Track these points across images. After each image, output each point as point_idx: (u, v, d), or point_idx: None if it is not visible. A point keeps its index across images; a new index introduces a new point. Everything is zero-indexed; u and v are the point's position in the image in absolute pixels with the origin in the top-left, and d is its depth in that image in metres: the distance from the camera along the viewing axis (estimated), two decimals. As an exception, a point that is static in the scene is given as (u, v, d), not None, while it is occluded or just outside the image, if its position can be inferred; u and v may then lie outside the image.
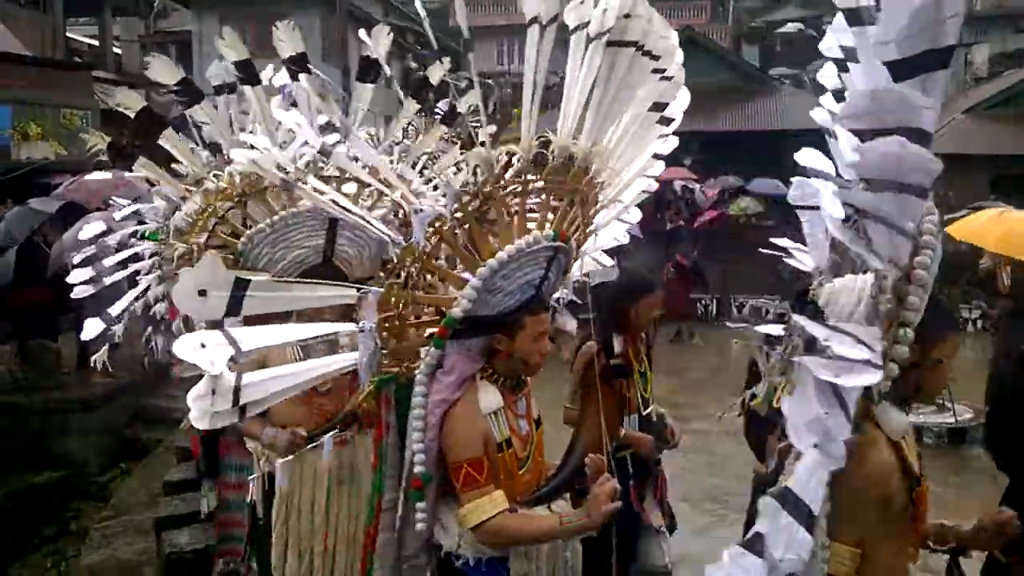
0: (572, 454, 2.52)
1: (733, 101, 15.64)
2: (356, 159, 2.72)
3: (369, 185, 2.86)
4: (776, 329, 2.15)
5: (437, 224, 2.08)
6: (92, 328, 3.98)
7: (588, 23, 1.99)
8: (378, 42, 3.31)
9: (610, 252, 2.86)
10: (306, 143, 2.88)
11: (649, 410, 3.20)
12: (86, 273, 4.10)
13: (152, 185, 4.19)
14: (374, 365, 2.08)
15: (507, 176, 2.09)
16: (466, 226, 2.10)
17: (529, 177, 2.08)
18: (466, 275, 2.10)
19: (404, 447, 2.15)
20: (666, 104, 2.25)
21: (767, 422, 2.79)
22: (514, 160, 2.08)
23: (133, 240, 4.12)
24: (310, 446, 2.81)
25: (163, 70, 3.01)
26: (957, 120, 14.10)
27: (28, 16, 17.09)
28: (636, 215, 2.74)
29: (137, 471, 7.04)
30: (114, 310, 3.98)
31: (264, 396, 1.91)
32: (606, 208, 2.32)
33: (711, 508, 5.44)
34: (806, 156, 2.29)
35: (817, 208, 1.76)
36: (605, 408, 2.65)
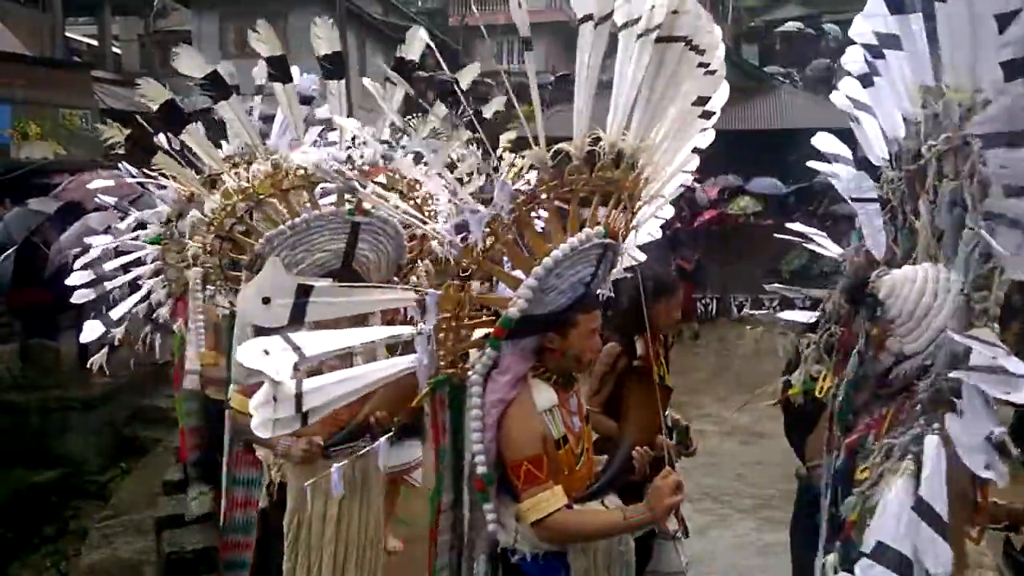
0: (618, 450, 2.53)
1: (732, 100, 15.36)
2: (420, 161, 2.71)
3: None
4: (805, 316, 2.16)
5: (493, 224, 2.07)
6: (92, 330, 3.98)
7: (637, 20, 1.99)
8: (412, 43, 3.26)
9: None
10: (363, 144, 2.94)
11: (667, 413, 3.19)
12: (87, 276, 4.11)
13: (159, 188, 4.20)
14: (433, 367, 2.09)
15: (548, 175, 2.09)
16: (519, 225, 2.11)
17: (581, 175, 2.08)
18: (518, 274, 2.11)
19: (458, 449, 2.16)
20: (708, 98, 2.26)
21: (808, 417, 2.78)
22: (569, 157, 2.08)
23: (135, 243, 4.13)
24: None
25: (190, 63, 2.92)
26: None
27: (27, 15, 17.05)
28: (669, 211, 2.75)
29: (137, 470, 7.05)
30: (115, 313, 4.00)
31: (326, 402, 1.90)
32: (647, 204, 2.34)
33: (711, 508, 5.45)
34: (823, 140, 2.30)
35: (874, 200, 1.74)
36: (645, 406, 2.68)
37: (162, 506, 5.69)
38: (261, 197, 2.93)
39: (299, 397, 1.84)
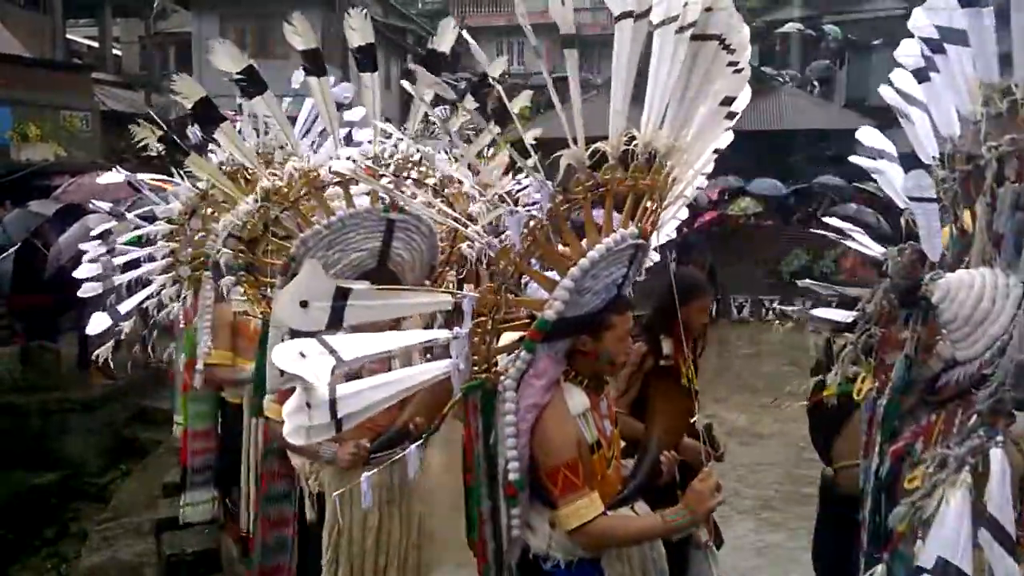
0: (646, 453, 2.50)
1: (733, 101, 15.60)
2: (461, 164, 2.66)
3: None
4: (842, 315, 2.11)
5: (531, 225, 2.04)
6: (98, 323, 3.91)
7: (675, 17, 1.97)
8: (444, 35, 3.17)
9: None
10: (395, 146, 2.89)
11: (695, 418, 3.17)
12: (93, 269, 4.04)
13: (161, 190, 4.18)
14: (468, 372, 2.05)
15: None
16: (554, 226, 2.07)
17: (617, 175, 2.05)
18: (552, 275, 2.08)
19: (491, 455, 2.12)
20: (733, 98, 2.23)
21: (835, 418, 2.70)
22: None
23: (129, 248, 4.08)
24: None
25: (226, 58, 2.82)
26: None
27: (28, 17, 17.07)
28: (684, 213, 2.73)
29: (137, 472, 7.04)
30: (123, 307, 3.91)
31: (361, 408, 1.85)
32: (671, 204, 2.32)
33: (712, 508, 5.44)
34: (867, 135, 2.26)
35: (933, 200, 1.67)
36: (672, 408, 2.66)
37: (162, 508, 5.68)
38: (297, 197, 2.82)
39: (333, 403, 1.78)
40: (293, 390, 1.99)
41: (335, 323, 1.87)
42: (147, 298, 3.93)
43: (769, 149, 13.45)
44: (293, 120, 3.84)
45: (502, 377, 2.08)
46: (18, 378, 7.89)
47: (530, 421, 2.06)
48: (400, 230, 2.83)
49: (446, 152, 3.40)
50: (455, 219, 2.54)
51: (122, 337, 3.99)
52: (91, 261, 4.06)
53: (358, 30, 2.98)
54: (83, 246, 4.21)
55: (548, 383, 2.08)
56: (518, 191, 5.73)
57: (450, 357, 2.03)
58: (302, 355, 1.74)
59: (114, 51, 23.05)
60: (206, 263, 3.62)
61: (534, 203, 2.67)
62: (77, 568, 5.66)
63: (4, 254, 7.70)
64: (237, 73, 2.82)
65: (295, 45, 2.92)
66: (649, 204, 2.12)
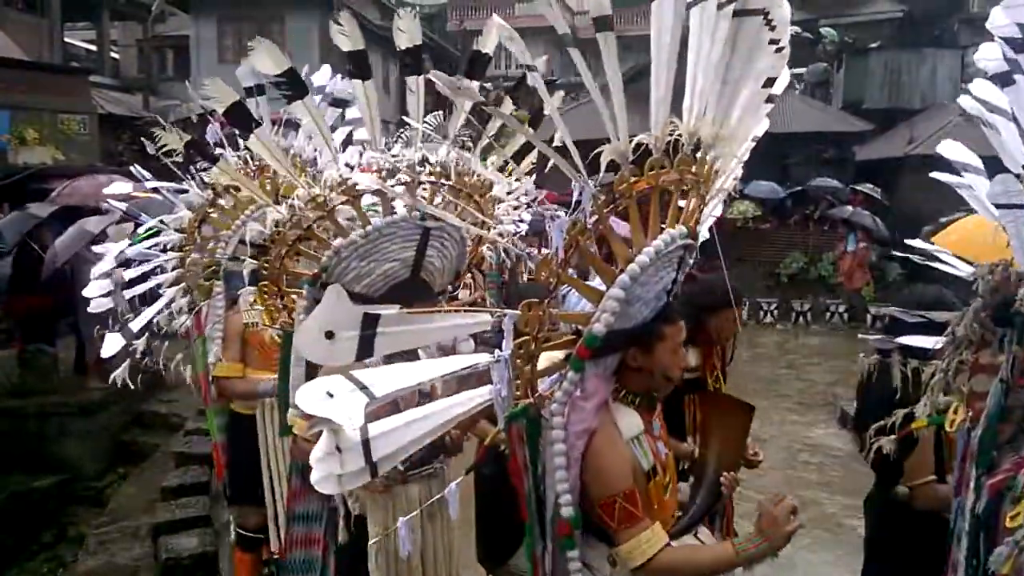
0: (704, 476, 2.35)
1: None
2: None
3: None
4: (929, 342, 1.95)
5: (574, 231, 1.84)
6: (112, 344, 3.75)
7: None
8: (488, 36, 3.06)
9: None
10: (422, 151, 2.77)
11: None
12: (106, 286, 3.90)
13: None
14: (512, 398, 1.85)
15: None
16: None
17: (663, 169, 1.87)
18: (596, 284, 1.89)
19: (539, 488, 1.91)
20: (774, 79, 2.02)
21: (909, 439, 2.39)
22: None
23: (150, 252, 3.92)
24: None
25: (267, 58, 2.66)
26: None
27: (25, 20, 17.07)
28: (719, 209, 2.51)
29: (134, 476, 7.02)
30: (135, 324, 3.76)
31: (398, 448, 1.68)
32: (713, 199, 2.12)
33: (710, 511, 5.44)
34: (949, 148, 2.13)
35: (1023, 207, 1.57)
36: (725, 427, 2.47)
37: (160, 512, 5.68)
38: (335, 205, 2.65)
39: (367, 445, 1.61)
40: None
41: (364, 354, 1.69)
42: (159, 312, 3.82)
43: (766, 152, 13.37)
44: (297, 125, 3.81)
45: (548, 401, 1.88)
46: (15, 382, 7.87)
47: (581, 448, 1.87)
48: (435, 238, 2.69)
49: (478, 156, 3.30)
50: (486, 226, 2.44)
51: (137, 356, 3.83)
52: (102, 277, 3.96)
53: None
54: (95, 268, 4.04)
55: (598, 405, 1.89)
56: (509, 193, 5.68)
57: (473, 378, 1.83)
58: (330, 395, 1.57)
59: (112, 54, 23.04)
60: (217, 271, 3.57)
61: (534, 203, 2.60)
62: (74, 572, 5.64)
63: (1, 259, 7.68)
64: (277, 76, 2.68)
65: (341, 46, 2.76)
66: (694, 200, 1.94)
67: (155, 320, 3.91)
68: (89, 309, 3.90)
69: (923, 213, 6.65)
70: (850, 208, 12.70)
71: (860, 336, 10.56)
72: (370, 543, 2.58)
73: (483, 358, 1.83)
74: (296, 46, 16.38)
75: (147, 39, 22.79)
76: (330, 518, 2.91)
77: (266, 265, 2.84)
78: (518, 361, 1.85)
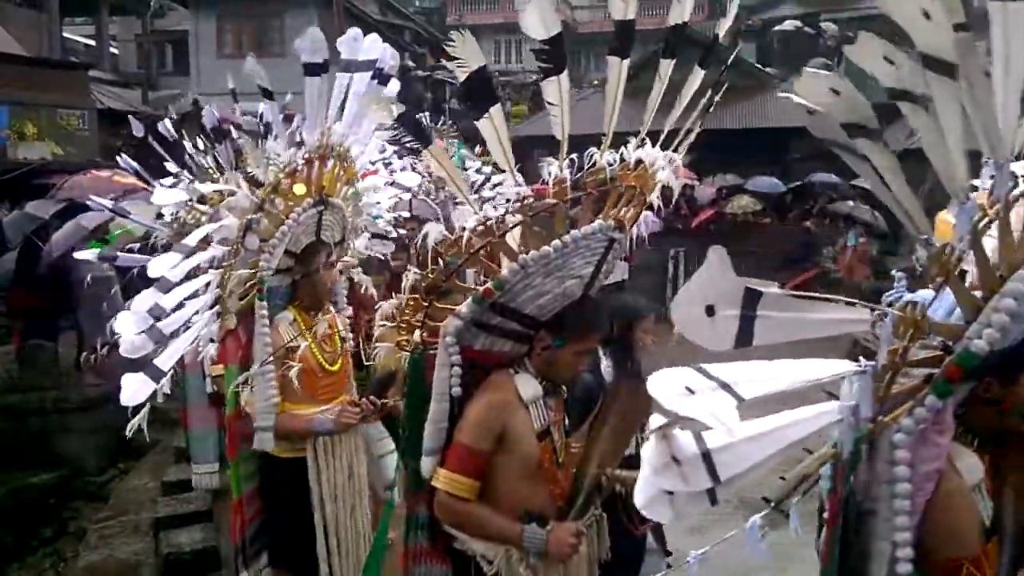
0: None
1: (730, 99, 15.66)
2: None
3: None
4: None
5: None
6: (137, 392, 2.98)
7: None
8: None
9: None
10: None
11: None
12: (146, 321, 2.82)
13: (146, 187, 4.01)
14: (868, 418, 1.55)
15: None
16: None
17: None
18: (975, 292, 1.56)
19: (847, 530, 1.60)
20: None
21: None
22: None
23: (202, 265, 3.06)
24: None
25: (468, 51, 2.31)
26: None
27: (24, 16, 17.05)
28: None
29: (135, 471, 7.04)
30: (162, 362, 2.92)
31: (743, 470, 1.41)
32: None
33: (710, 508, 5.44)
34: None
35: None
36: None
37: (160, 506, 5.70)
38: (507, 229, 2.35)
39: (708, 457, 1.35)
40: (461, 449, 1.81)
41: (744, 340, 1.45)
42: (189, 344, 2.95)
43: (767, 147, 13.44)
44: (290, 118, 3.78)
45: (893, 427, 1.54)
46: (15, 378, 7.88)
47: (928, 493, 1.54)
48: (615, 250, 2.41)
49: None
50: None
51: (159, 400, 3.01)
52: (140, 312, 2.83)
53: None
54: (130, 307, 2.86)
55: (948, 442, 1.56)
56: (480, 184, 5.58)
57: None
58: (689, 390, 1.33)
59: (111, 49, 23.00)
60: (260, 288, 3.09)
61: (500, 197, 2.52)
62: (75, 566, 5.66)
63: (3, 257, 7.69)
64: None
65: (533, 34, 2.30)
66: None
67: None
68: (127, 352, 2.86)
69: (923, 207, 6.66)
70: (850, 203, 12.71)
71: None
72: None
73: (848, 366, 1.58)
74: (295, 41, 16.35)
75: (146, 34, 22.78)
76: None
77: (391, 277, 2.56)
78: (884, 375, 1.57)
